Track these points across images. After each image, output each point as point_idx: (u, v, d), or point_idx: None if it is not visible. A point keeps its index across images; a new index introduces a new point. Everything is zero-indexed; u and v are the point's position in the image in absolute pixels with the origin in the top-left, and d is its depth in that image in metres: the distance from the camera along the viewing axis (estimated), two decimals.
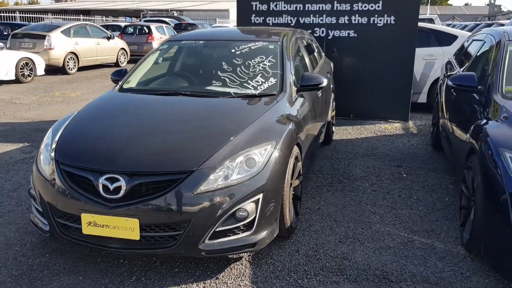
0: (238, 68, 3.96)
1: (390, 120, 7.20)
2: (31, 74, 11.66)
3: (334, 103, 6.21)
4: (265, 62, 4.02)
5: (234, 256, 3.06)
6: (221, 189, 2.74)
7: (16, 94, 9.89)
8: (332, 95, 5.97)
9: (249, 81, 3.85)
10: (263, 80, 3.86)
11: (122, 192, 2.69)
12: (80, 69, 14.33)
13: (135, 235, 2.70)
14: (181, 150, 2.92)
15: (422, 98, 7.79)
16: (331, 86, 5.78)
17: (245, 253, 3.08)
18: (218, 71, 3.97)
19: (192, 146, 2.95)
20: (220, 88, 3.82)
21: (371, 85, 7.13)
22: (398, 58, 6.95)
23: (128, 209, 2.68)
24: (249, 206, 2.81)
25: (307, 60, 4.86)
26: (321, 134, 5.20)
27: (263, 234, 2.92)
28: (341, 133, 6.54)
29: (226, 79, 3.88)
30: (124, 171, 2.73)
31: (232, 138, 2.99)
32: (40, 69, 11.90)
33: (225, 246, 2.79)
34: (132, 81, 4.16)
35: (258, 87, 3.79)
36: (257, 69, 3.96)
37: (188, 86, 4.08)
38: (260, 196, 2.86)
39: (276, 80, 3.88)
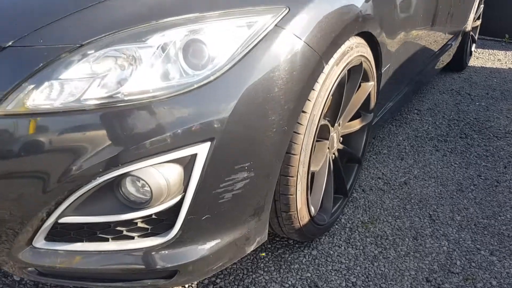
0: None
1: None
2: None
3: (482, 5, 3.79)
4: None
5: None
6: (84, 112, 0.95)
7: None
8: None
9: None
10: None
11: None
12: None
13: None
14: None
15: None
16: None
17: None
18: None
19: None
20: None
21: None
22: None
23: None
24: (159, 172, 0.99)
25: None
26: (446, 50, 2.97)
27: (205, 247, 1.10)
28: (484, 58, 4.13)
29: None
30: None
31: None
32: None
33: (88, 265, 1.05)
34: None
35: None
36: None
37: None
38: (201, 149, 1.00)
39: None
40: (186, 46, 1.03)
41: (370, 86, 1.59)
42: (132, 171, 0.97)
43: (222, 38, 1.05)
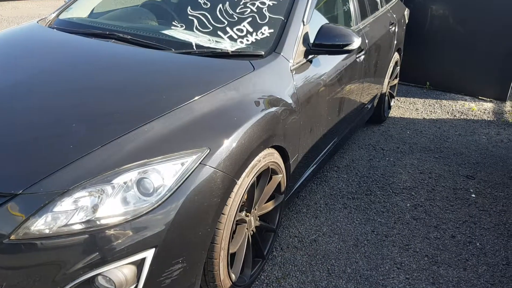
0: (221, 5, 2.49)
1: (480, 97, 5.29)
2: None
3: (398, 67, 4.48)
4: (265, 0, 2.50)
5: None
6: (71, 235, 1.45)
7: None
8: (396, 56, 4.24)
9: (228, 28, 2.38)
10: (252, 30, 2.37)
11: None
12: None
13: None
14: (17, 152, 1.61)
15: None
16: (393, 42, 4.05)
17: None
18: (190, 7, 2.53)
19: (41, 145, 1.64)
20: (181, 34, 2.40)
21: (462, 45, 5.19)
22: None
23: None
24: (120, 272, 1.51)
25: (352, 4, 3.21)
26: (365, 111, 3.62)
27: None
28: (405, 107, 4.84)
29: (195, 20, 2.44)
30: None
31: (124, 135, 1.64)
32: None
33: None
34: (80, 10, 2.87)
35: (239, 40, 2.32)
36: (249, 10, 2.46)
37: (142, 26, 2.69)
38: (148, 254, 1.53)
39: (272, 31, 2.37)
40: (139, 179, 1.55)
41: (279, 177, 2.16)
42: (102, 272, 1.48)
43: (163, 174, 1.58)
